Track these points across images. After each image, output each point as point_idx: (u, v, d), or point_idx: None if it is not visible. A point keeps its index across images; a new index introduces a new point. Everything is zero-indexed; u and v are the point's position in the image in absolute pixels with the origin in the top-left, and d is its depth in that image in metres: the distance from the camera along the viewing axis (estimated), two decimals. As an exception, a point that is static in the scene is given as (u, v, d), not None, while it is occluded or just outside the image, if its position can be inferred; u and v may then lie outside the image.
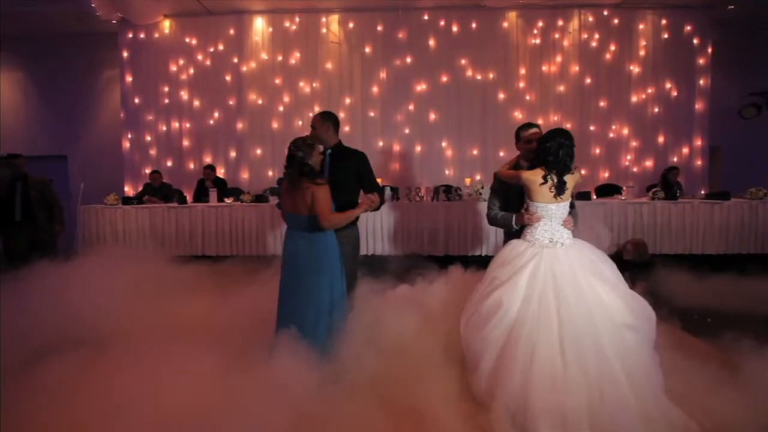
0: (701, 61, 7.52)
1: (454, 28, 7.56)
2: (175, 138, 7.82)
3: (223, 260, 5.62)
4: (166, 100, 7.79)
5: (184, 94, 7.77)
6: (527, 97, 7.58)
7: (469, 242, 5.92)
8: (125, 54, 7.80)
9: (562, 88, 7.54)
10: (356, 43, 7.63)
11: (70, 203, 6.70)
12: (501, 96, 7.58)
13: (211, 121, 7.76)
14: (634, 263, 5.15)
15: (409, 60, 7.57)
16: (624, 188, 6.55)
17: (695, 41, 7.49)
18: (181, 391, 2.31)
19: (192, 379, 2.40)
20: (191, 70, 7.75)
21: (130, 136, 7.87)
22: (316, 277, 2.70)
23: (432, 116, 7.62)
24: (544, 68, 7.57)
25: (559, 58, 7.55)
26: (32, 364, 2.64)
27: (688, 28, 7.48)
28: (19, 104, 8.67)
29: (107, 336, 3.07)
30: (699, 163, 7.58)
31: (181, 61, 7.74)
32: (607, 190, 6.97)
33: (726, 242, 5.82)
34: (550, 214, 2.58)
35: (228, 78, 7.71)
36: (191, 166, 7.80)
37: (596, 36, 7.55)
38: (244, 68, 7.66)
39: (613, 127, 7.56)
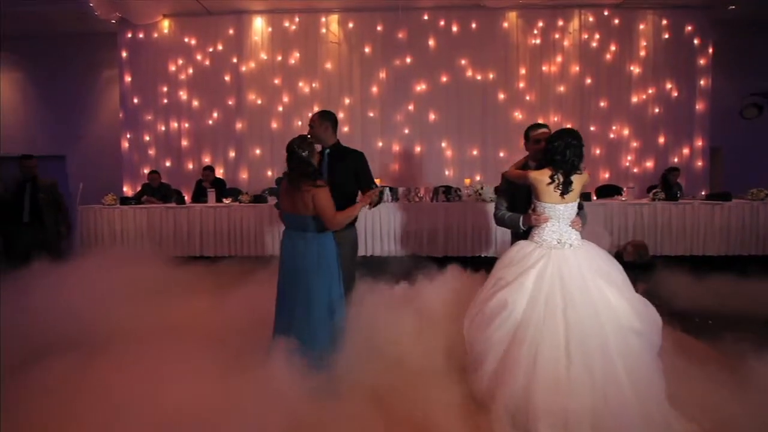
0: (702, 61, 7.49)
1: (454, 28, 7.54)
2: (174, 138, 7.81)
3: (221, 261, 5.59)
4: (165, 100, 7.77)
5: (183, 94, 7.75)
6: (527, 98, 7.56)
7: (468, 243, 5.89)
8: (124, 54, 7.78)
9: (562, 88, 7.52)
10: (356, 43, 7.61)
11: (69, 203, 6.67)
12: (501, 96, 7.56)
13: (210, 121, 7.75)
14: (635, 265, 5.11)
15: (408, 60, 7.55)
16: (624, 189, 6.52)
17: (696, 41, 7.46)
18: (178, 392, 2.29)
19: (190, 380, 2.38)
20: (190, 70, 7.74)
21: (129, 136, 7.85)
22: (314, 278, 2.67)
23: (432, 116, 7.59)
24: (544, 68, 7.55)
25: (559, 59, 7.53)
26: (30, 364, 2.62)
27: (689, 28, 7.45)
28: (18, 104, 8.66)
29: (104, 337, 3.05)
30: (700, 163, 7.55)
31: (181, 61, 7.73)
32: (608, 191, 6.94)
33: (727, 243, 5.80)
34: (558, 215, 2.55)
35: (227, 78, 7.69)
36: (190, 166, 7.78)
37: (596, 36, 7.53)
38: (244, 68, 7.64)
39: (614, 127, 7.54)
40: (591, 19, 7.51)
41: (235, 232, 6.01)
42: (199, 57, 7.71)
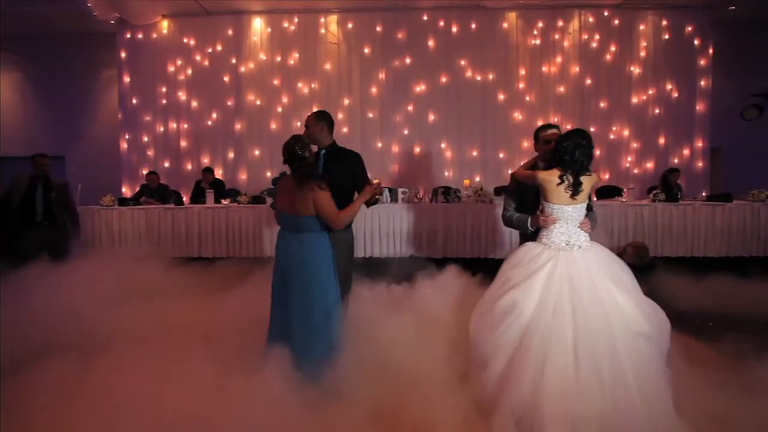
0: (702, 61, 7.47)
1: (454, 29, 7.53)
2: (173, 139, 7.79)
3: (220, 262, 5.57)
4: (164, 101, 7.76)
5: (182, 95, 7.73)
6: (527, 98, 7.54)
7: (467, 244, 5.87)
8: (123, 54, 7.77)
9: (562, 89, 7.50)
10: (355, 44, 7.60)
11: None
12: (501, 97, 7.54)
13: (209, 122, 7.73)
14: (635, 266, 5.05)
15: (408, 60, 7.54)
16: (624, 190, 6.50)
17: (696, 42, 7.44)
18: (176, 394, 2.28)
19: (186, 383, 2.36)
20: (189, 71, 7.72)
21: (127, 136, 7.83)
22: (309, 281, 2.64)
23: (431, 117, 7.57)
24: (544, 69, 7.53)
25: (559, 59, 7.51)
26: (29, 364, 2.60)
27: (689, 28, 7.44)
28: (17, 104, 8.66)
29: (101, 338, 3.04)
30: (700, 164, 7.53)
31: (179, 62, 7.71)
32: (608, 192, 6.92)
33: (728, 245, 5.77)
34: (566, 216, 2.52)
35: (226, 78, 7.67)
36: (189, 167, 7.76)
37: (596, 37, 7.51)
38: (243, 69, 7.63)
39: (614, 128, 7.52)
40: (591, 19, 7.49)
41: (233, 233, 5.99)
42: (198, 57, 7.70)
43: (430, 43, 7.53)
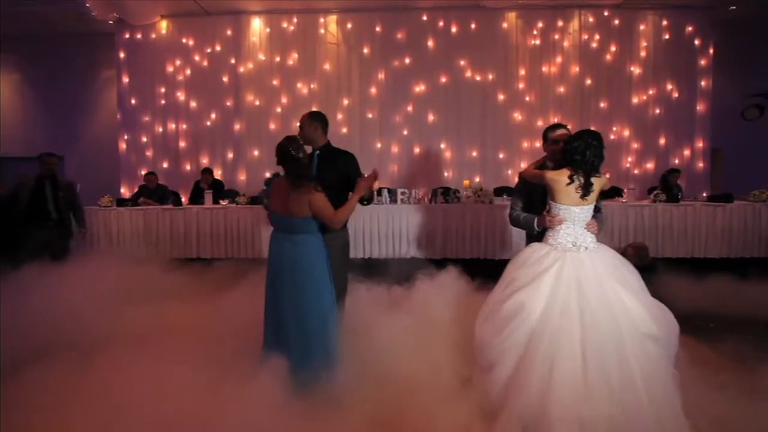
0: (703, 62, 7.45)
1: (453, 29, 7.50)
2: (171, 139, 7.77)
3: (218, 263, 5.54)
4: (163, 101, 7.74)
5: (181, 95, 7.72)
6: (527, 98, 7.51)
7: (467, 245, 5.84)
8: (122, 55, 7.75)
9: (562, 89, 7.48)
10: (354, 44, 7.58)
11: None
12: (500, 97, 7.51)
13: (208, 123, 7.71)
14: (636, 267, 5.06)
15: (407, 61, 7.52)
16: (625, 190, 6.47)
17: (696, 42, 7.42)
18: (170, 397, 2.26)
19: (181, 387, 2.34)
20: (188, 71, 7.70)
21: (126, 137, 7.82)
22: (303, 283, 2.60)
23: (431, 117, 7.55)
24: (543, 69, 7.51)
25: (559, 59, 7.49)
26: (28, 364, 2.59)
27: (690, 28, 7.41)
28: (16, 105, 8.64)
29: (96, 339, 3.02)
30: (701, 165, 7.50)
31: (178, 62, 7.70)
32: (608, 193, 6.87)
33: (729, 245, 5.74)
34: (573, 217, 2.49)
35: (225, 79, 7.66)
36: (188, 167, 7.74)
37: (596, 37, 7.48)
38: (242, 69, 7.61)
39: (614, 128, 7.49)
40: (591, 19, 7.47)
41: (231, 233, 5.97)
42: (196, 58, 7.68)
43: (430, 43, 7.51)
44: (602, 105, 7.51)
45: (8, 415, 2.16)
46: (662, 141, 7.50)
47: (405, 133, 7.59)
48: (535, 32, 7.49)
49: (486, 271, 3.38)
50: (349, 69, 7.60)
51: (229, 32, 7.63)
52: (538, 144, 7.36)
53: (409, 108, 7.55)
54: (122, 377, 2.42)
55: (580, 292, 2.30)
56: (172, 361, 2.57)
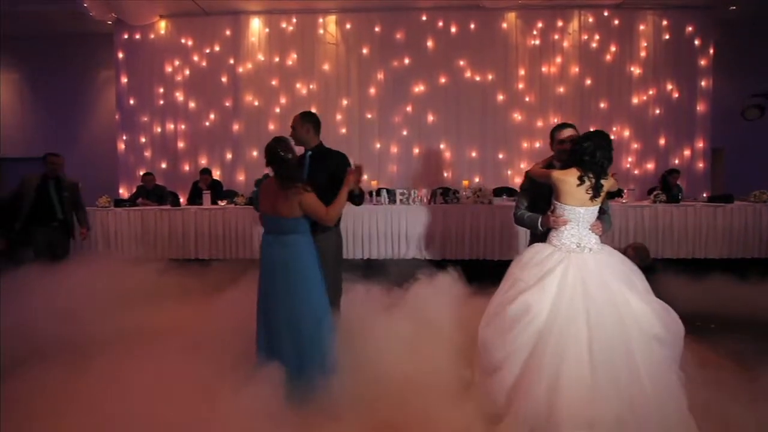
0: (703, 62, 7.43)
1: (453, 29, 7.49)
2: (170, 140, 7.75)
3: (216, 263, 5.52)
4: (162, 102, 7.72)
5: (180, 96, 7.70)
6: (527, 99, 7.49)
7: (466, 246, 5.81)
8: (120, 55, 7.74)
9: (561, 89, 7.46)
10: (353, 44, 7.56)
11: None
12: (500, 97, 7.50)
13: (207, 123, 7.69)
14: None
15: (407, 61, 7.50)
16: (624, 191, 6.45)
17: (696, 42, 7.40)
18: (161, 404, 2.23)
19: (170, 392, 2.31)
20: (187, 71, 7.69)
21: (125, 137, 7.80)
22: (294, 284, 2.58)
23: (430, 118, 7.53)
24: (543, 69, 7.49)
25: (558, 59, 7.47)
26: (17, 367, 2.60)
27: (690, 28, 7.40)
28: (14, 105, 8.62)
29: (91, 342, 3.00)
30: (701, 165, 7.48)
31: (177, 62, 7.68)
32: (610, 194, 6.87)
33: (729, 246, 5.71)
34: (578, 218, 2.46)
35: (224, 79, 7.64)
36: (186, 168, 7.72)
37: (596, 37, 7.47)
38: (241, 69, 7.59)
39: (614, 128, 7.46)
40: (591, 19, 7.45)
41: (230, 234, 5.94)
42: (195, 58, 7.66)
43: (429, 43, 7.49)
44: (602, 105, 7.49)
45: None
46: (662, 141, 7.48)
47: (404, 133, 7.57)
48: (534, 32, 7.47)
49: (485, 272, 3.36)
50: (348, 69, 7.58)
51: (228, 32, 7.61)
52: (538, 144, 7.40)
53: (409, 108, 7.53)
54: (114, 381, 2.40)
55: (586, 293, 2.27)
56: (165, 364, 2.55)
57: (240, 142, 7.64)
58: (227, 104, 7.65)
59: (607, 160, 2.45)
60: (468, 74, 7.50)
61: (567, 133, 2.76)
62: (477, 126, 7.52)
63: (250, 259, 5.70)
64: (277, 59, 7.60)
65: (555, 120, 7.37)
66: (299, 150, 3.05)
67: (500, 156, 7.51)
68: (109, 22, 7.52)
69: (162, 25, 7.69)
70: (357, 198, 2.93)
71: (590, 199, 2.45)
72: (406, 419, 2.29)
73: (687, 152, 7.48)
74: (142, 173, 7.08)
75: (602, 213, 2.60)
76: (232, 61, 7.61)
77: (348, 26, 7.56)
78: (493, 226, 5.75)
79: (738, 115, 7.26)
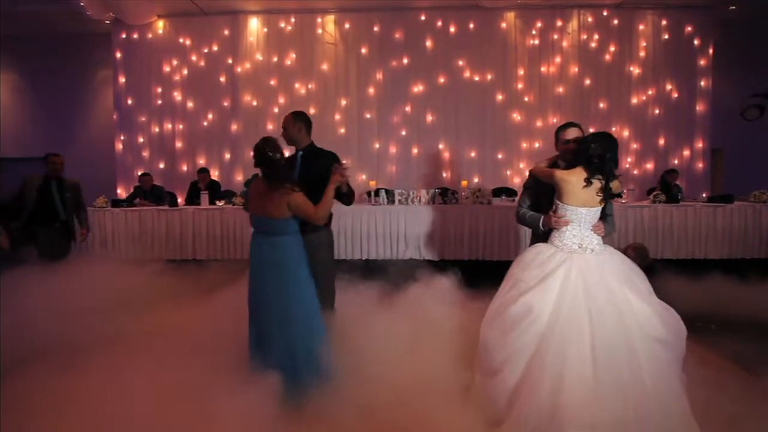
0: (702, 61, 7.42)
1: (452, 29, 7.47)
2: (168, 140, 7.72)
3: (214, 264, 5.49)
4: (160, 101, 7.70)
5: (178, 95, 7.67)
6: (526, 99, 7.48)
7: (465, 246, 5.79)
8: (118, 54, 7.71)
9: (561, 89, 7.44)
10: (352, 44, 7.54)
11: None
12: (499, 97, 7.48)
13: (205, 123, 7.67)
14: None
15: (405, 61, 7.48)
16: (624, 191, 6.42)
17: (696, 42, 7.39)
18: (155, 402, 2.22)
19: (161, 396, 2.29)
20: (185, 71, 7.66)
21: (122, 137, 7.77)
22: (285, 284, 2.56)
23: (429, 118, 7.51)
24: (542, 69, 7.47)
25: (558, 59, 7.46)
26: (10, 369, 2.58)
27: (689, 28, 7.38)
28: (11, 105, 8.59)
29: (87, 344, 2.97)
30: (700, 165, 7.47)
31: (175, 62, 7.66)
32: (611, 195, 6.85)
33: (729, 246, 5.70)
34: (580, 219, 2.44)
35: (222, 79, 7.62)
36: (184, 168, 7.70)
37: (596, 36, 7.45)
38: (239, 69, 7.57)
39: (613, 128, 7.44)
40: (590, 19, 7.44)
41: (227, 234, 5.92)
42: (193, 58, 7.64)
43: (428, 43, 7.48)
44: (601, 105, 7.48)
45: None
46: (662, 141, 7.47)
47: (403, 133, 7.55)
48: (534, 32, 7.46)
49: (484, 272, 3.34)
50: (347, 69, 7.56)
51: (226, 32, 7.59)
52: (538, 144, 7.39)
53: (408, 108, 7.51)
54: (114, 381, 2.38)
55: (588, 294, 2.26)
56: (158, 366, 2.54)
57: (238, 143, 7.62)
58: (225, 104, 7.63)
59: (614, 162, 2.44)
60: (467, 74, 7.48)
61: (572, 132, 2.73)
62: (476, 126, 7.50)
63: (248, 260, 5.65)
64: (275, 59, 7.58)
65: (554, 120, 7.35)
66: (292, 149, 3.04)
67: (499, 156, 7.49)
68: (107, 22, 7.50)
69: (160, 25, 7.67)
70: (346, 197, 2.91)
71: (600, 201, 2.43)
72: (406, 422, 2.26)
73: (686, 152, 7.47)
74: (139, 173, 7.05)
75: (606, 216, 2.58)
76: (230, 61, 7.58)
77: (347, 26, 7.54)
78: (492, 227, 5.73)
79: (737, 115, 7.24)
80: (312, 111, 7.41)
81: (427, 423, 2.24)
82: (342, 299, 3.03)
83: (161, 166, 7.71)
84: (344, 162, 2.82)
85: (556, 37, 7.45)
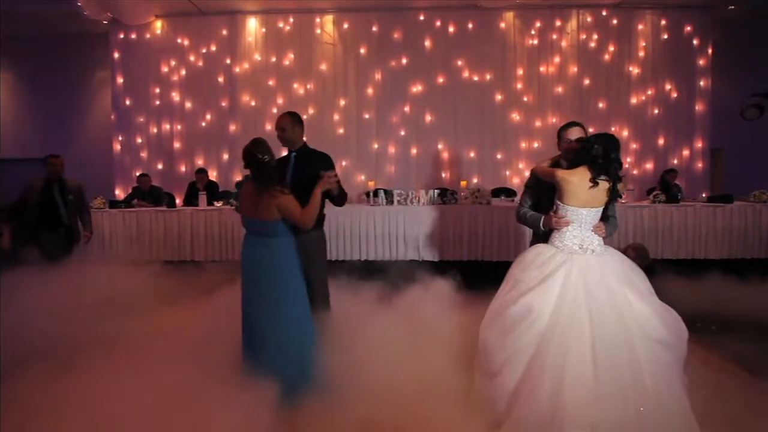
0: (701, 61, 7.41)
1: (451, 29, 7.46)
2: (166, 140, 7.70)
3: (212, 265, 5.47)
4: (158, 102, 7.67)
5: (176, 96, 7.65)
6: (525, 99, 7.46)
7: (465, 247, 5.78)
8: (116, 55, 7.69)
9: (560, 89, 7.43)
10: (351, 44, 7.52)
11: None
12: (498, 97, 7.46)
13: (204, 123, 7.65)
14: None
15: (404, 61, 7.46)
16: (624, 191, 6.41)
17: (695, 42, 7.39)
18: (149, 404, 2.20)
19: (164, 393, 2.28)
20: (183, 72, 7.64)
21: (120, 138, 7.75)
22: (277, 285, 2.54)
23: (428, 118, 7.50)
24: (542, 69, 7.46)
25: (557, 59, 7.45)
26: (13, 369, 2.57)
27: (688, 28, 7.38)
28: (9, 105, 8.57)
29: (83, 346, 2.95)
30: (700, 165, 7.46)
31: (173, 62, 7.64)
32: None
33: (729, 246, 5.69)
34: (581, 219, 2.42)
35: (221, 79, 7.60)
36: (183, 168, 7.67)
37: (595, 36, 7.44)
38: (237, 69, 7.55)
39: (613, 128, 7.42)
40: (589, 19, 7.43)
41: (225, 235, 5.91)
42: (192, 58, 7.62)
43: (427, 43, 7.46)
44: (601, 105, 7.46)
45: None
46: (661, 141, 7.46)
47: (402, 133, 7.53)
48: (532, 32, 7.44)
49: (484, 273, 3.32)
50: (345, 69, 7.55)
51: (224, 32, 7.57)
52: (537, 144, 7.37)
53: (406, 108, 7.49)
54: (108, 384, 2.36)
55: (589, 295, 2.24)
56: (158, 367, 2.52)
57: (237, 143, 7.58)
58: (224, 104, 7.61)
59: (618, 163, 2.43)
60: (466, 74, 7.47)
61: (575, 132, 2.70)
62: (475, 126, 7.49)
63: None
64: (274, 59, 7.56)
65: (554, 120, 7.34)
66: (284, 150, 3.02)
67: (498, 156, 7.47)
68: (105, 22, 7.48)
69: (158, 25, 7.64)
70: (337, 199, 2.91)
71: (603, 202, 2.42)
72: (405, 424, 2.24)
73: (686, 152, 7.46)
74: (137, 174, 7.02)
75: (609, 217, 2.57)
76: (228, 61, 7.56)
77: (345, 26, 7.52)
78: (492, 227, 5.72)
79: (737, 114, 7.23)
80: (311, 111, 7.41)
81: (426, 424, 2.23)
82: (341, 300, 3.01)
83: (159, 166, 7.68)
84: (332, 171, 2.79)
85: (555, 37, 7.44)
